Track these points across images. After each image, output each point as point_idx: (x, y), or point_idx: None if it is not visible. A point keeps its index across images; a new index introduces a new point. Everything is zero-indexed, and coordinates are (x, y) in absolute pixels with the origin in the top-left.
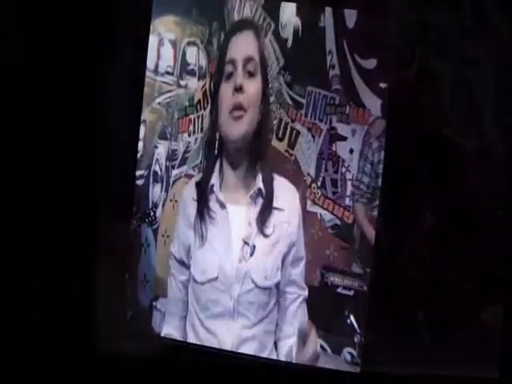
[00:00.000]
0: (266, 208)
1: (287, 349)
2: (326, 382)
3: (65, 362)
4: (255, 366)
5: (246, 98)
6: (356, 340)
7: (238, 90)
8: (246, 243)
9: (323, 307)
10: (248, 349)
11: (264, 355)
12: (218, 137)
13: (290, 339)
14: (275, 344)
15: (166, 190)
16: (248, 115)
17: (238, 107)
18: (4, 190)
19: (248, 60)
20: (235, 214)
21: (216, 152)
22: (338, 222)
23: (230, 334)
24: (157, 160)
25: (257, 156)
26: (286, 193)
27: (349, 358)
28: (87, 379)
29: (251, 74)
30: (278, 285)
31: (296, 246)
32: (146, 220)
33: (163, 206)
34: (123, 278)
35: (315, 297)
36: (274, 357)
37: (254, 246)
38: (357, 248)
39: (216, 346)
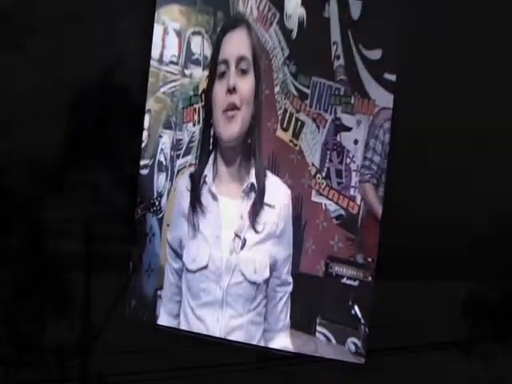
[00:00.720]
0: (257, 203)
1: (275, 340)
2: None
3: (67, 350)
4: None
5: (239, 98)
6: (360, 330)
7: (232, 90)
8: (237, 236)
9: (327, 297)
10: (236, 337)
11: (253, 342)
12: (212, 133)
13: (278, 332)
14: (263, 336)
15: (171, 180)
16: (241, 113)
17: (232, 107)
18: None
19: (241, 59)
20: (227, 205)
21: (211, 146)
22: (343, 212)
23: (218, 323)
24: (162, 150)
25: (250, 152)
26: (277, 190)
27: (353, 348)
28: (90, 367)
29: (244, 72)
30: (267, 281)
31: (285, 245)
32: (151, 209)
33: (168, 195)
34: (127, 268)
35: (319, 287)
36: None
37: (245, 240)
38: (361, 238)
39: (205, 332)
